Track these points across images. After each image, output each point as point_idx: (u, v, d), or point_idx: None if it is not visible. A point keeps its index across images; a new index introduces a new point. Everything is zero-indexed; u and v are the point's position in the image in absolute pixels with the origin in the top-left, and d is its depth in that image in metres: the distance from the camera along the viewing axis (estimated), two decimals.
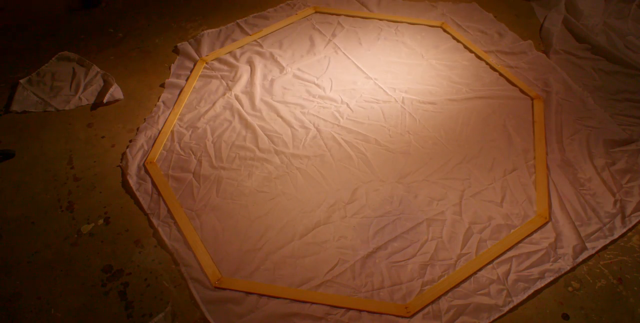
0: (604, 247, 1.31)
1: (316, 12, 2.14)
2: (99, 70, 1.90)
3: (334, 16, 2.13)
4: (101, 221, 1.42)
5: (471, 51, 1.92)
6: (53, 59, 1.95)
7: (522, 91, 1.74)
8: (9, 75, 1.90)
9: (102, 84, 1.85)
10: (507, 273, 1.25)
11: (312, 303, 1.20)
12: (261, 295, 1.23)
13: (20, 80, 1.85)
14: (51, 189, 1.51)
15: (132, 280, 1.28)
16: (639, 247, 1.31)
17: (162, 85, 1.85)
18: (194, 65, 1.91)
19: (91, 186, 1.52)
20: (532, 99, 1.71)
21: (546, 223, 1.35)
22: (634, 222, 1.36)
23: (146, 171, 1.54)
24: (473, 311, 1.19)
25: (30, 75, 1.88)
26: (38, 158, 1.62)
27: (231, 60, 1.93)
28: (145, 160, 1.58)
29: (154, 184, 1.50)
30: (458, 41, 1.96)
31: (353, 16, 2.12)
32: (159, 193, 1.47)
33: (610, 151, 1.54)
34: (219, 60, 1.94)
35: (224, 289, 1.25)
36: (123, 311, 1.22)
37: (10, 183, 1.54)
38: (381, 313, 1.19)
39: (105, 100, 1.76)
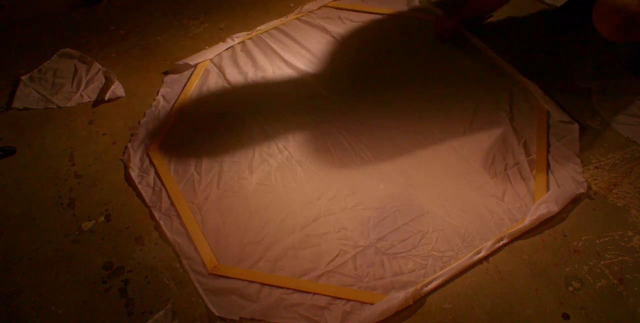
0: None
1: (325, 6, 2.14)
2: (100, 67, 1.90)
3: (335, 11, 2.12)
4: (102, 218, 1.42)
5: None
6: (55, 55, 1.96)
7: (524, 87, 1.74)
8: (10, 72, 1.90)
9: (103, 81, 1.85)
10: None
11: (314, 293, 1.20)
12: (263, 284, 1.23)
13: (22, 77, 1.86)
14: (52, 186, 1.52)
15: (132, 277, 1.28)
16: None
17: (163, 79, 1.85)
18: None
19: (92, 183, 1.52)
20: (534, 96, 1.70)
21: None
22: None
23: (150, 160, 1.54)
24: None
25: (31, 72, 1.89)
26: (39, 155, 1.62)
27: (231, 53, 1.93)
28: (149, 148, 1.59)
29: (156, 173, 1.51)
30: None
31: (357, 11, 2.11)
32: (162, 182, 1.48)
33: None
34: (219, 55, 1.94)
35: (224, 277, 1.25)
36: (124, 308, 1.22)
37: (12, 180, 1.54)
38: None
39: (106, 98, 1.77)
